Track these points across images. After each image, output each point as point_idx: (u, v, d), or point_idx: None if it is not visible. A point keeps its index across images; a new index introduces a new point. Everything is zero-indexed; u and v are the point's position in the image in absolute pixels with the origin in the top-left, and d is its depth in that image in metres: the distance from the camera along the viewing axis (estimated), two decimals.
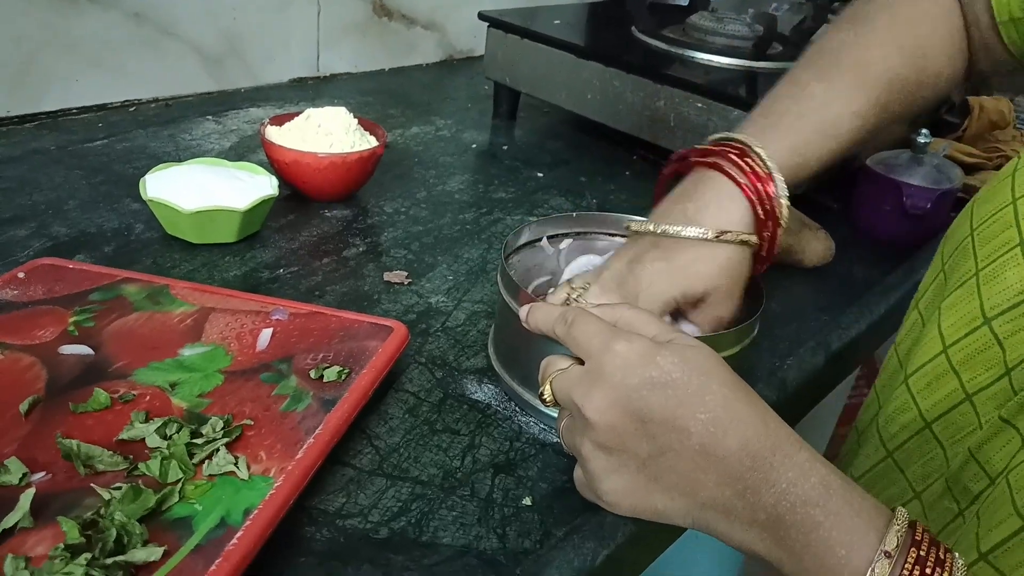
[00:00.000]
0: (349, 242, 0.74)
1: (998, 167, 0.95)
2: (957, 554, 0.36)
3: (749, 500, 0.37)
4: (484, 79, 1.11)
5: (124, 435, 0.45)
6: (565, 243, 0.64)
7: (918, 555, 0.35)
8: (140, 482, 0.41)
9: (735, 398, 0.39)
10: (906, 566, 0.34)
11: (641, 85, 0.90)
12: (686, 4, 1.16)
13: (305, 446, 0.45)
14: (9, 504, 0.39)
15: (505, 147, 1.02)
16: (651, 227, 0.50)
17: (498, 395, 0.56)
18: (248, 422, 0.47)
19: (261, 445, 0.45)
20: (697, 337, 0.45)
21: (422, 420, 0.53)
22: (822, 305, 0.73)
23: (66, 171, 0.80)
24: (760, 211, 0.50)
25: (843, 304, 0.73)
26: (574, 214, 0.64)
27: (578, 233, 0.65)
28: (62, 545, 0.37)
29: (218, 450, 0.44)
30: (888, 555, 0.34)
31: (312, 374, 0.51)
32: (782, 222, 0.51)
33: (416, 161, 0.94)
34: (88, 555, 0.36)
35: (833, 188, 0.89)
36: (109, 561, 0.36)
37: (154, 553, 0.37)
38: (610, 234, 0.65)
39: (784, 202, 0.51)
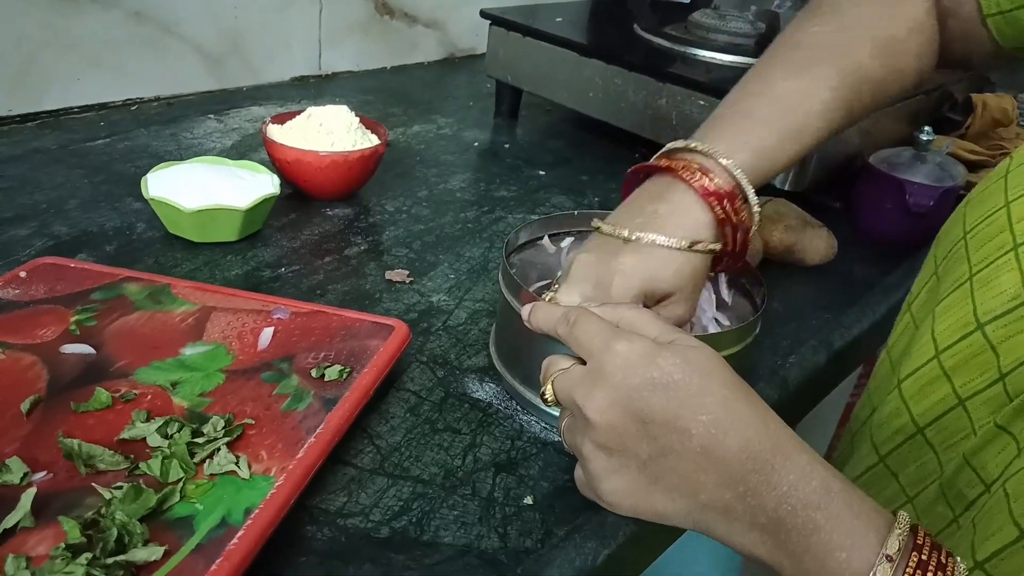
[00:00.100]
0: (351, 241, 0.74)
1: None
2: (959, 558, 0.35)
3: (750, 502, 0.37)
4: (486, 77, 1.11)
5: (125, 434, 0.45)
6: (567, 242, 0.64)
7: (919, 559, 0.34)
8: (141, 481, 0.41)
9: (736, 399, 0.39)
10: (907, 570, 0.34)
11: (643, 83, 0.90)
12: (688, 2, 1.16)
13: (306, 445, 0.45)
14: (10, 504, 0.39)
15: (507, 145, 1.02)
16: (624, 233, 0.50)
17: (499, 394, 0.56)
18: (249, 421, 0.47)
19: (262, 444, 0.45)
20: (699, 336, 0.45)
21: (423, 419, 0.53)
22: (824, 304, 0.73)
23: (67, 170, 0.80)
24: (724, 221, 0.50)
25: (845, 303, 0.73)
26: (576, 213, 0.64)
27: (580, 232, 0.65)
28: (63, 545, 0.37)
29: (219, 449, 0.44)
30: (889, 559, 0.34)
31: (313, 373, 0.51)
32: (753, 225, 0.52)
33: (418, 160, 0.94)
34: (89, 555, 0.36)
35: (835, 187, 0.89)
36: (110, 561, 0.36)
37: (155, 553, 0.37)
38: None
39: (755, 207, 0.51)
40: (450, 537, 0.44)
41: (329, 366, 0.52)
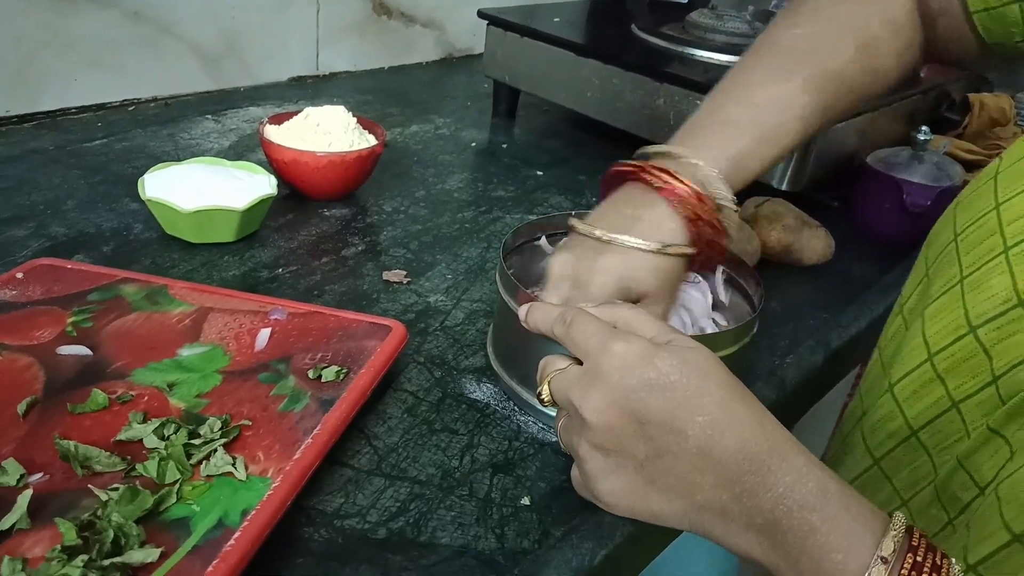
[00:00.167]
0: (348, 241, 0.74)
1: None
2: (954, 560, 0.35)
3: (746, 503, 0.37)
4: (483, 77, 1.11)
5: (122, 436, 0.45)
6: (564, 242, 0.64)
7: (914, 561, 0.34)
8: (138, 483, 0.41)
9: (732, 400, 0.39)
10: (902, 572, 0.34)
11: (640, 83, 0.90)
12: (686, 2, 1.16)
13: (303, 446, 0.45)
14: (6, 505, 0.39)
15: (504, 145, 1.02)
16: (597, 234, 0.50)
17: (497, 394, 0.56)
18: (246, 422, 0.47)
19: (259, 445, 0.45)
20: (696, 336, 0.45)
21: (420, 420, 0.53)
22: (821, 303, 0.73)
23: (65, 171, 0.80)
24: (696, 226, 0.50)
25: (842, 303, 0.73)
26: (573, 213, 0.64)
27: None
28: (59, 547, 0.37)
29: (216, 451, 0.44)
30: (884, 560, 0.34)
31: (310, 374, 0.51)
32: (730, 231, 0.52)
33: (415, 160, 0.94)
34: (85, 556, 0.36)
35: (833, 186, 0.89)
36: (106, 563, 0.36)
37: (151, 554, 0.37)
38: None
39: (733, 212, 0.51)
40: (447, 538, 0.44)
41: (326, 367, 0.52)
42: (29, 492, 0.40)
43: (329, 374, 0.51)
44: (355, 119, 0.81)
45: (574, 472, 0.44)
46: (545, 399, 0.44)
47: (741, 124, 0.52)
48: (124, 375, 0.50)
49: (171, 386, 0.49)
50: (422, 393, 0.55)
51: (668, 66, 0.92)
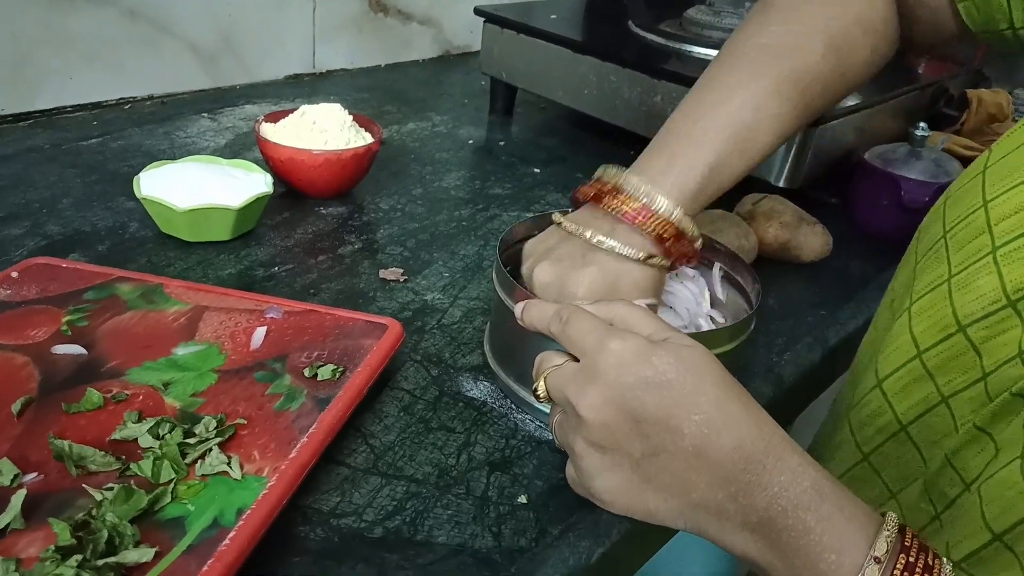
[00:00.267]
0: (344, 239, 0.73)
1: None
2: (945, 559, 0.36)
3: (741, 503, 0.37)
4: (480, 75, 1.11)
5: (117, 435, 0.45)
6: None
7: (907, 561, 0.35)
8: (132, 482, 0.41)
9: (729, 399, 0.38)
10: (895, 572, 0.34)
11: (638, 80, 0.90)
12: None
13: (299, 445, 0.45)
14: (0, 505, 0.39)
15: (501, 143, 1.02)
16: (587, 235, 0.51)
17: (494, 392, 0.56)
18: (241, 421, 0.46)
19: (255, 444, 0.45)
20: (693, 334, 0.45)
21: (417, 418, 0.52)
22: (819, 300, 0.73)
23: (60, 169, 0.80)
24: (661, 243, 0.51)
25: (840, 299, 0.73)
26: (570, 211, 0.64)
27: None
28: (53, 547, 0.37)
29: (211, 450, 0.44)
30: (878, 561, 0.34)
31: (306, 372, 0.51)
32: (696, 245, 0.53)
33: (412, 157, 0.94)
34: (79, 556, 0.36)
35: (831, 183, 0.89)
36: (100, 563, 0.36)
37: (146, 554, 0.37)
38: None
39: (692, 232, 0.52)
40: (444, 536, 0.44)
41: (322, 365, 0.51)
42: (23, 492, 0.40)
43: (325, 372, 0.51)
44: (351, 117, 0.80)
45: (569, 469, 0.44)
46: (541, 395, 0.44)
47: (713, 135, 0.52)
48: (119, 374, 0.50)
49: (166, 385, 0.49)
50: (419, 391, 0.55)
51: (666, 63, 0.92)
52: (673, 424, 0.38)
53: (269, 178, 0.73)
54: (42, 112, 0.92)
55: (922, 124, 0.83)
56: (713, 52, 0.93)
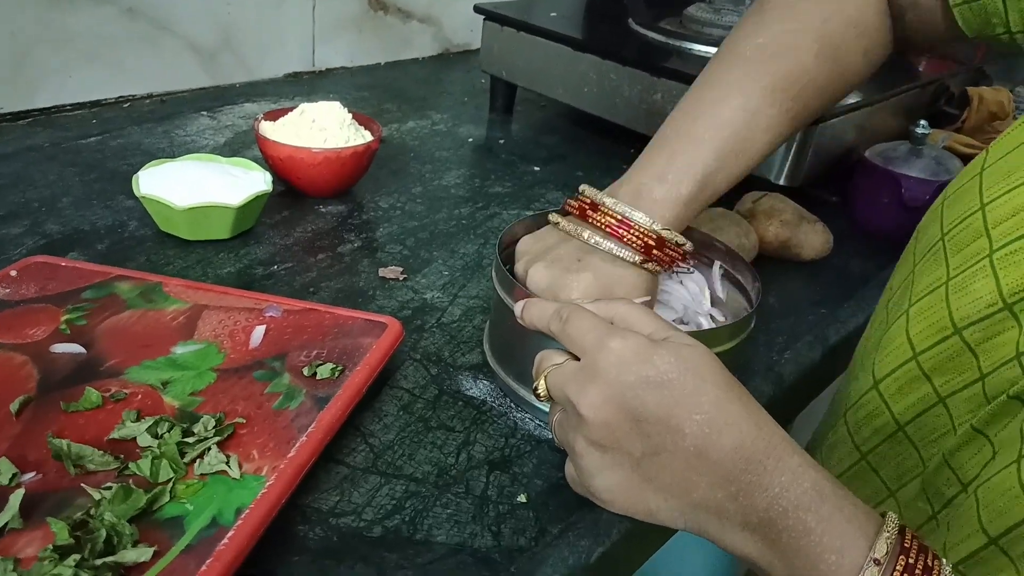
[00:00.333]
0: (344, 238, 0.73)
1: None
2: (945, 560, 0.35)
3: (741, 503, 0.37)
4: (480, 73, 1.11)
5: (115, 434, 0.44)
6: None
7: (907, 562, 0.35)
8: (131, 482, 0.41)
9: (729, 400, 0.38)
10: (895, 573, 0.34)
11: (638, 78, 0.90)
12: None
13: (298, 444, 0.45)
14: None
15: (501, 141, 1.02)
16: (584, 236, 0.51)
17: (493, 391, 0.56)
18: (240, 420, 0.46)
19: (253, 443, 0.45)
20: (693, 333, 0.45)
21: (416, 417, 0.52)
22: (819, 299, 0.72)
23: (60, 168, 0.80)
24: (649, 253, 0.51)
25: (840, 298, 0.73)
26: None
27: None
28: (51, 546, 0.37)
29: (209, 449, 0.44)
30: (877, 562, 0.34)
31: (305, 371, 0.51)
32: (685, 248, 0.52)
33: (412, 156, 0.94)
34: (77, 556, 0.36)
35: (831, 181, 0.89)
36: (99, 562, 0.36)
37: (144, 553, 0.37)
38: None
39: (673, 239, 0.51)
40: (443, 536, 0.44)
41: (321, 364, 0.51)
42: (21, 491, 0.40)
43: (324, 371, 0.51)
44: (351, 115, 0.80)
45: (569, 468, 0.44)
46: (541, 394, 0.44)
47: (707, 143, 0.52)
48: (118, 373, 0.49)
49: (165, 384, 0.49)
50: (418, 390, 0.55)
51: (666, 61, 0.91)
52: (674, 424, 0.38)
53: (268, 176, 0.73)
54: (41, 111, 0.91)
55: (923, 122, 0.83)
56: (713, 50, 0.93)
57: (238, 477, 0.42)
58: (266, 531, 0.40)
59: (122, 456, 0.43)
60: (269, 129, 0.78)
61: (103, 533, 0.37)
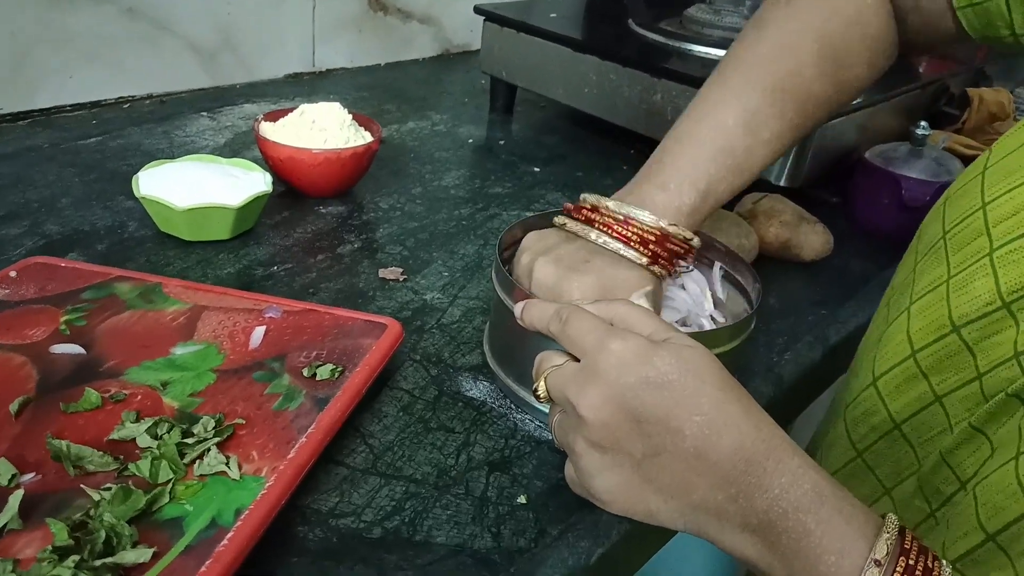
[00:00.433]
0: (344, 239, 0.73)
1: None
2: (945, 562, 0.35)
3: (741, 504, 0.37)
4: (480, 73, 1.11)
5: (115, 435, 0.44)
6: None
7: (907, 564, 0.35)
8: (130, 483, 0.41)
9: (729, 401, 0.38)
10: (895, 574, 0.34)
11: (638, 79, 0.90)
12: None
13: (298, 445, 0.45)
14: None
15: (501, 142, 1.02)
16: (592, 236, 0.51)
17: (493, 392, 0.56)
18: (240, 421, 0.46)
19: (253, 444, 0.45)
20: (693, 334, 0.45)
21: (416, 418, 0.52)
22: (819, 299, 0.72)
23: (59, 168, 0.80)
24: (647, 247, 0.51)
25: (841, 298, 0.73)
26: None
27: None
28: (50, 547, 0.37)
29: (209, 450, 0.44)
30: (878, 563, 0.34)
31: (305, 372, 0.51)
32: (692, 242, 0.53)
33: (412, 156, 0.94)
34: (77, 557, 0.36)
35: (831, 181, 0.89)
36: (98, 563, 0.36)
37: (144, 554, 0.37)
38: None
39: (694, 242, 0.52)
40: (443, 537, 0.44)
41: (321, 365, 0.51)
42: (21, 492, 0.40)
43: (324, 372, 0.51)
44: (351, 116, 0.80)
45: (568, 469, 0.44)
46: (541, 395, 0.44)
47: (708, 152, 0.53)
48: (117, 374, 0.49)
49: (164, 385, 0.49)
50: (418, 391, 0.55)
51: (666, 62, 0.91)
52: (674, 425, 0.38)
53: (268, 177, 0.73)
54: (41, 111, 0.91)
55: (923, 123, 0.83)
56: (713, 50, 0.93)
57: (238, 478, 0.42)
58: (266, 532, 0.40)
59: (121, 457, 0.43)
60: (269, 130, 0.78)
61: (102, 534, 0.37)
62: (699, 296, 0.59)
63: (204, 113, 0.98)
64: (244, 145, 0.90)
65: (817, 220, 0.77)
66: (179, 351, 0.52)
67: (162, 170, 0.70)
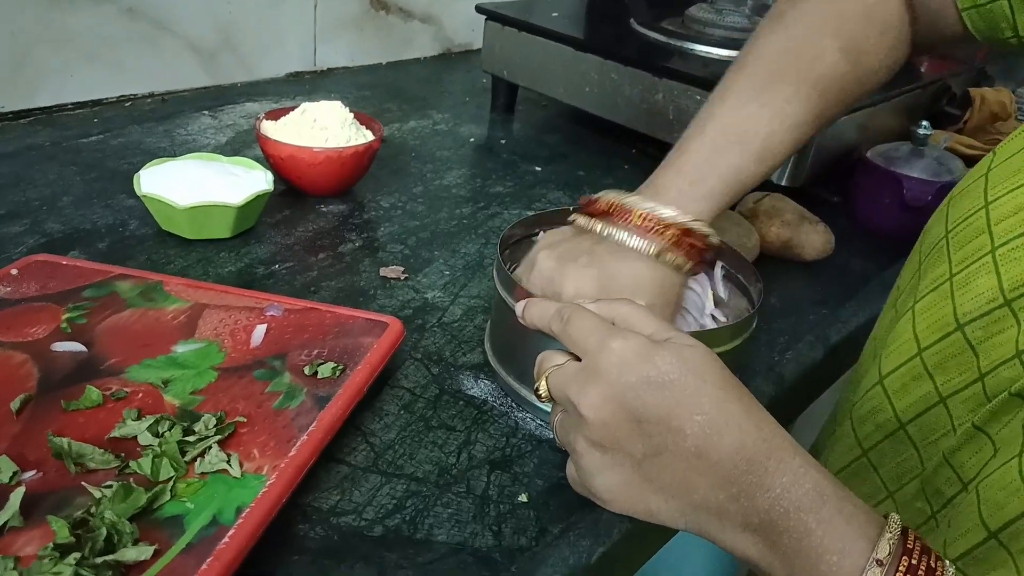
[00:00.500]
0: (345, 237, 0.73)
1: None
2: (948, 562, 0.35)
3: (743, 504, 0.37)
4: (481, 72, 1.11)
5: (116, 433, 0.44)
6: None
7: (909, 563, 0.34)
8: (131, 480, 0.41)
9: (730, 400, 0.38)
10: (897, 574, 0.34)
11: (639, 78, 0.90)
12: None
13: (298, 443, 0.45)
14: None
15: (503, 141, 1.02)
16: (597, 228, 0.51)
17: (494, 391, 0.56)
18: (241, 419, 0.46)
19: (254, 442, 0.45)
20: (695, 333, 0.45)
21: (417, 416, 0.52)
22: (821, 299, 0.72)
23: (60, 167, 0.80)
24: (663, 236, 0.50)
25: (842, 297, 0.73)
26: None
27: None
28: (51, 544, 0.36)
29: (210, 448, 0.44)
30: (880, 563, 0.34)
31: (306, 370, 0.51)
32: (712, 241, 0.52)
33: (413, 155, 0.93)
34: (78, 554, 0.36)
35: (833, 181, 0.89)
36: (99, 560, 0.36)
37: (144, 552, 0.37)
38: None
39: (701, 229, 0.51)
40: (444, 535, 0.44)
41: (322, 363, 0.51)
42: (22, 490, 0.40)
43: (325, 370, 0.51)
44: (352, 114, 0.80)
45: (570, 468, 0.44)
46: (543, 395, 0.43)
47: (732, 142, 0.53)
48: (118, 372, 0.49)
49: (166, 383, 0.49)
50: (419, 390, 0.55)
51: (667, 61, 0.91)
52: (675, 424, 0.38)
53: (270, 176, 0.73)
54: (42, 110, 0.91)
55: (924, 123, 0.83)
56: (715, 50, 0.93)
57: (239, 476, 0.42)
58: (266, 530, 0.40)
59: (123, 455, 0.43)
60: (270, 128, 0.78)
61: (103, 532, 0.37)
62: (701, 295, 0.59)
63: (205, 112, 0.98)
64: (245, 144, 0.90)
65: (818, 219, 0.77)
66: (180, 349, 0.52)
67: (163, 168, 0.70)
